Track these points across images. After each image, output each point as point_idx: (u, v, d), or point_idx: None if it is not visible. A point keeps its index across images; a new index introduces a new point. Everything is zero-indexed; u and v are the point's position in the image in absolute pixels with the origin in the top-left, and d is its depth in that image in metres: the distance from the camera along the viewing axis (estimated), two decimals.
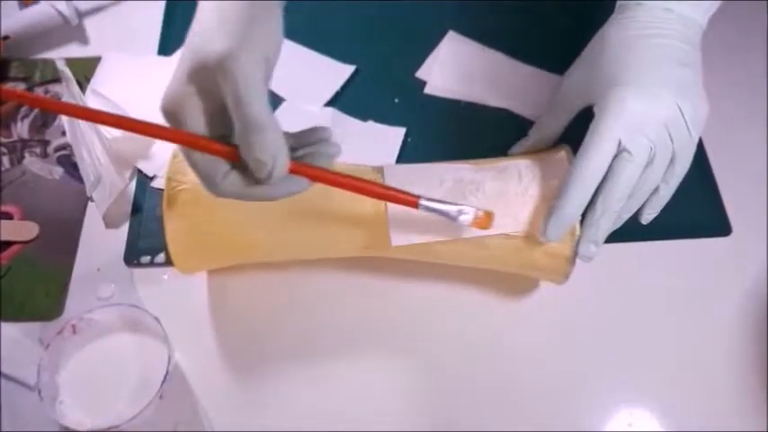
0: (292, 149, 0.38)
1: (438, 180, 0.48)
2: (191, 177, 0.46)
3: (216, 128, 0.37)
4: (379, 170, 0.49)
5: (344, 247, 0.50)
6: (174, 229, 0.47)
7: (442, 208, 0.43)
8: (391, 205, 0.46)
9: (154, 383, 0.42)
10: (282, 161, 0.36)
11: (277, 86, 0.63)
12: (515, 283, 0.54)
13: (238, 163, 0.37)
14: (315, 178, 0.39)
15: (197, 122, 0.37)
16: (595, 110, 0.45)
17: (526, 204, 0.46)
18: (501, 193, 0.47)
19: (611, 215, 0.44)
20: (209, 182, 0.38)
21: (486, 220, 0.43)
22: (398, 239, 0.47)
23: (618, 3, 0.49)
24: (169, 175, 0.47)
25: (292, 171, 0.37)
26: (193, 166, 0.38)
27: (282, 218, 0.48)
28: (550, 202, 0.45)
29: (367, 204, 0.47)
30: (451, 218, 0.43)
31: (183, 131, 0.36)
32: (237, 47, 0.35)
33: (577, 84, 0.49)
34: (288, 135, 0.39)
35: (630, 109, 0.43)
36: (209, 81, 0.36)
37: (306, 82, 0.63)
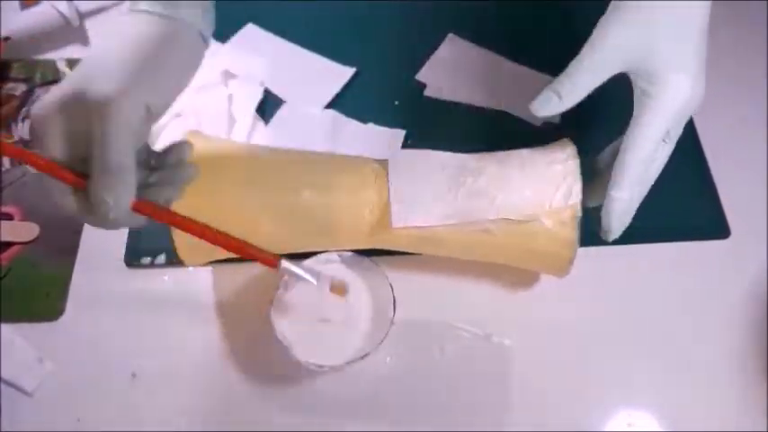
0: (151, 169, 0.40)
1: (440, 166, 0.48)
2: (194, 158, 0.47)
3: (73, 150, 0.37)
4: (383, 162, 0.50)
5: (349, 237, 0.50)
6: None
7: (299, 272, 0.44)
8: (393, 189, 0.47)
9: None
10: (124, 205, 0.36)
11: (278, 88, 0.63)
12: (515, 284, 0.54)
13: (83, 190, 0.37)
14: (157, 218, 0.39)
15: (56, 145, 0.37)
16: (648, 88, 0.42)
17: (528, 189, 0.46)
18: (503, 177, 0.47)
19: (642, 195, 0.44)
20: (54, 197, 0.38)
21: (341, 288, 0.45)
22: (399, 221, 0.47)
23: None
24: None
25: (136, 209, 0.38)
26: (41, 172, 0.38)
27: (287, 207, 0.48)
28: (552, 189, 0.46)
29: (370, 190, 0.48)
30: (310, 281, 0.44)
31: (40, 157, 0.36)
32: (118, 95, 0.36)
33: (626, 46, 0.43)
34: (150, 153, 0.40)
35: (686, 100, 0.42)
36: (82, 109, 0.36)
37: (306, 84, 0.63)
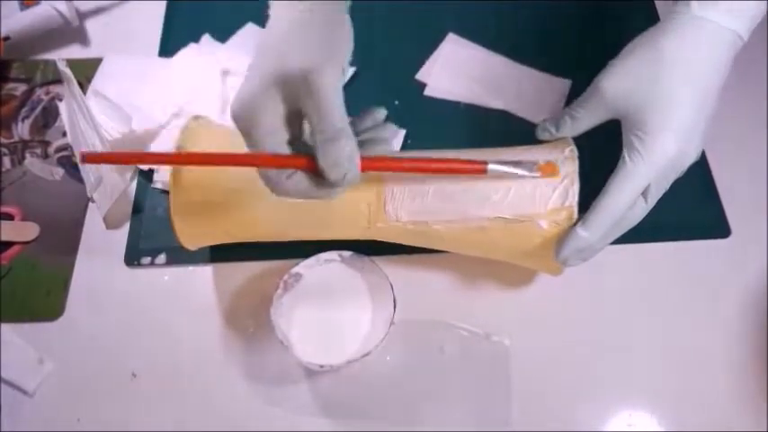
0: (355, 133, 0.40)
1: None
2: (200, 148, 0.47)
3: (288, 132, 0.38)
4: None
5: (347, 230, 0.50)
6: (179, 197, 0.48)
7: (509, 170, 0.45)
8: (388, 182, 0.48)
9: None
10: (356, 167, 0.38)
11: None
12: (515, 284, 0.54)
13: (313, 170, 0.38)
14: (382, 169, 0.43)
15: (272, 128, 0.38)
16: (635, 141, 0.43)
17: (525, 189, 0.46)
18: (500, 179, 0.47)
19: (605, 243, 0.46)
20: (272, 182, 0.39)
21: (552, 168, 0.45)
22: (393, 215, 0.48)
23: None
24: (179, 143, 0.48)
25: (365, 168, 0.39)
26: (258, 168, 0.39)
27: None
28: (550, 190, 0.46)
29: (368, 185, 0.48)
30: (521, 176, 0.45)
31: (265, 155, 0.38)
32: (322, 61, 0.36)
33: (623, 96, 0.44)
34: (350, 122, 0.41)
35: (670, 159, 0.43)
36: (287, 90, 0.37)
37: None
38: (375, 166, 0.41)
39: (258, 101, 0.37)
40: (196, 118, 0.51)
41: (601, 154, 0.46)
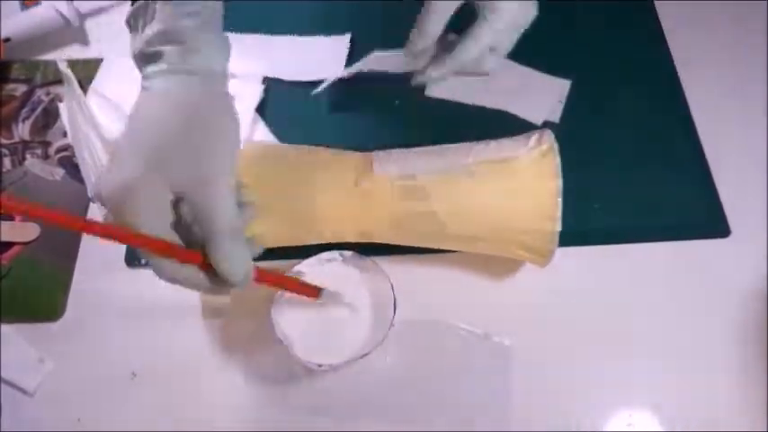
0: None
1: (422, 150, 0.51)
2: None
3: (173, 214, 0.36)
4: (368, 157, 0.51)
5: (335, 231, 0.50)
6: None
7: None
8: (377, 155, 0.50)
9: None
10: (249, 271, 0.37)
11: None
12: (515, 284, 0.54)
13: (204, 266, 0.36)
14: (272, 285, 0.43)
15: (156, 213, 0.36)
16: (485, 12, 0.46)
17: (505, 142, 0.50)
18: (480, 143, 0.50)
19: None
20: (165, 270, 0.36)
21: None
22: (380, 168, 0.49)
23: None
24: None
25: (257, 279, 0.39)
26: (148, 254, 0.36)
27: (272, 203, 0.49)
28: (526, 139, 0.49)
29: (353, 181, 0.49)
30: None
31: (160, 242, 0.35)
32: (212, 176, 0.36)
33: None
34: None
35: (513, 19, 0.46)
36: (172, 179, 0.35)
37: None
38: (267, 280, 0.41)
39: (138, 186, 0.35)
40: None
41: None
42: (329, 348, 0.47)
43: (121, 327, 0.53)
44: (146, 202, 0.35)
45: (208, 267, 0.36)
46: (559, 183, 0.47)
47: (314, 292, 0.46)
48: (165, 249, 0.36)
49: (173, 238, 0.36)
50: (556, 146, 0.48)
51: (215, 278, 0.37)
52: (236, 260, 0.36)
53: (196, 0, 0.39)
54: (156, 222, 0.36)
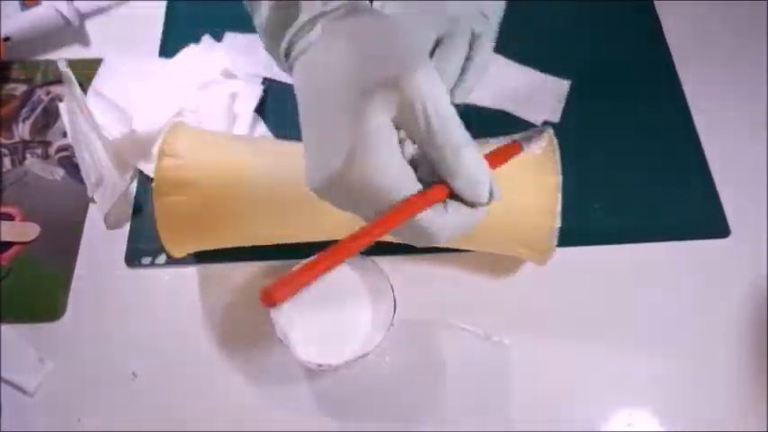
0: None
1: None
2: (180, 148, 0.48)
3: (404, 162, 0.33)
4: None
5: (333, 226, 0.50)
6: (162, 204, 0.48)
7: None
8: None
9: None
10: (491, 176, 0.33)
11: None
12: (515, 284, 0.54)
13: (446, 199, 0.33)
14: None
15: (400, 166, 0.32)
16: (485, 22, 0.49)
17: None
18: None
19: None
20: (432, 227, 0.33)
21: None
22: None
23: None
24: (162, 147, 0.48)
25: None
26: (399, 232, 0.33)
27: (268, 202, 0.49)
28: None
29: None
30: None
31: (401, 206, 0.32)
32: (417, 63, 0.32)
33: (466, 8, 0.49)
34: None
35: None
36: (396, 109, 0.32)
37: None
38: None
39: (370, 130, 0.31)
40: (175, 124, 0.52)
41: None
42: (329, 348, 0.47)
43: (121, 327, 0.53)
44: (383, 150, 0.32)
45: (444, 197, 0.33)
46: (559, 178, 0.47)
47: (514, 148, 0.40)
48: (427, 197, 0.32)
49: (414, 182, 0.33)
50: (555, 142, 0.48)
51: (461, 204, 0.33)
52: (483, 168, 0.33)
53: None
54: (405, 176, 0.32)
